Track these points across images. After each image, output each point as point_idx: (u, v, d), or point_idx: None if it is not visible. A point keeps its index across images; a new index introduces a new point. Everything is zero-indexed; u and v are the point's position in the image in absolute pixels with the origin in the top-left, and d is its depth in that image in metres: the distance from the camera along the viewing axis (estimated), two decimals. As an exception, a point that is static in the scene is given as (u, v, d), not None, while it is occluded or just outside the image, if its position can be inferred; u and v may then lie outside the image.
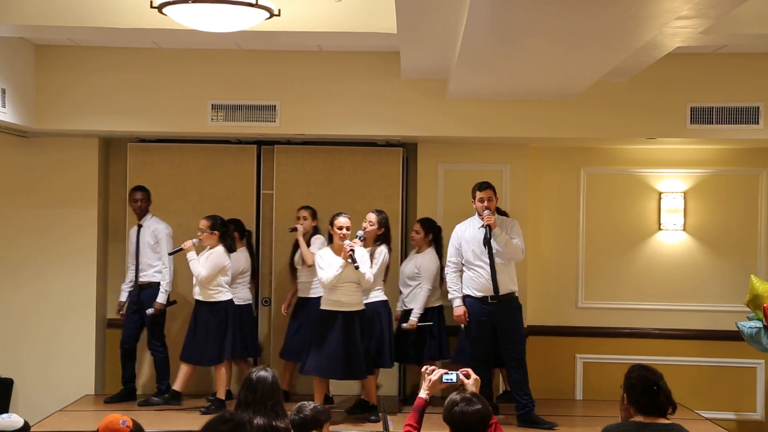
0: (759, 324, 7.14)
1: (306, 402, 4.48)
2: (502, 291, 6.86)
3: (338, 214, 6.95)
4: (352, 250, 6.75)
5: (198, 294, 7.30)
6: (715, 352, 8.11)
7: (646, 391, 3.90)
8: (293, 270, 7.72)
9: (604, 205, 8.31)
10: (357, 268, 6.73)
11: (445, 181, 8.18)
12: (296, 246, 7.65)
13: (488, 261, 6.84)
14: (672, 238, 8.25)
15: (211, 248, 7.30)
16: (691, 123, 7.47)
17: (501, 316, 6.88)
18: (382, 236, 7.23)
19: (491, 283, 6.84)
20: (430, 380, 4.31)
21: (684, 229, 8.22)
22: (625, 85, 7.46)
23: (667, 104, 7.47)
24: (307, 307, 7.52)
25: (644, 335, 8.20)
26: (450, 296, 7.13)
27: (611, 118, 7.55)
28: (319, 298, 7.18)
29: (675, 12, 4.68)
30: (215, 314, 7.28)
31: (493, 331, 6.93)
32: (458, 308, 7.03)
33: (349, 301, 6.88)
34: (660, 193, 8.25)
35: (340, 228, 6.83)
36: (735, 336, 7.79)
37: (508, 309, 6.90)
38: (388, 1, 5.64)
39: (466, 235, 7.00)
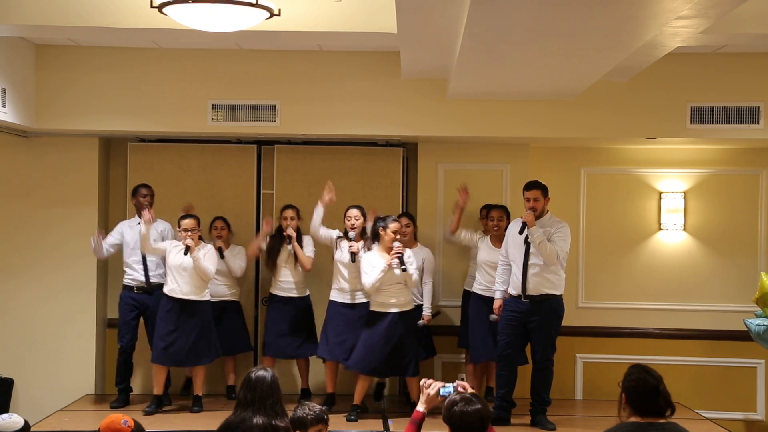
0: (767, 322, 7.13)
1: (308, 402, 4.58)
2: (533, 292, 6.80)
3: (389, 218, 7.11)
4: (400, 254, 6.90)
5: (189, 294, 7.19)
6: (715, 352, 8.11)
7: (646, 394, 3.86)
8: (273, 266, 7.61)
9: (605, 205, 8.31)
10: (404, 270, 6.93)
11: (445, 181, 8.17)
12: (277, 240, 7.58)
13: (522, 259, 6.84)
14: (672, 237, 8.25)
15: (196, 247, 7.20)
16: (691, 123, 7.47)
17: (533, 316, 6.84)
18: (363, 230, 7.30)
19: (521, 281, 6.84)
20: (428, 394, 4.30)
21: (684, 229, 8.22)
22: (625, 85, 7.46)
23: (667, 104, 7.48)
24: (290, 305, 7.58)
25: (644, 335, 8.20)
26: (494, 288, 7.14)
27: (611, 118, 7.55)
28: (305, 297, 7.62)
29: (675, 12, 4.69)
30: (205, 312, 7.31)
31: (524, 330, 6.91)
32: (496, 301, 7.08)
33: (397, 301, 7.06)
34: (660, 193, 8.25)
35: (395, 232, 6.96)
36: (735, 336, 7.81)
37: (541, 310, 6.82)
38: (388, 1, 5.64)
39: (513, 231, 6.99)
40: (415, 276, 7.09)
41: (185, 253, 7.11)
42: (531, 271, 6.80)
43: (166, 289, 7.25)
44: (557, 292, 6.89)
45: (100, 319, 8.21)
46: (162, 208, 7.87)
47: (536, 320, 6.84)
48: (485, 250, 7.46)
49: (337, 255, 7.33)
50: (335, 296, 7.39)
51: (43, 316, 8.08)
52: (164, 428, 6.79)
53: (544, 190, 6.91)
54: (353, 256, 7.15)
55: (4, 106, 6.90)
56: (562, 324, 8.12)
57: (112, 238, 7.63)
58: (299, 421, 4.41)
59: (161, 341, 7.22)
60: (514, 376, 7.02)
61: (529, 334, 6.93)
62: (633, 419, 3.89)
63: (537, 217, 6.82)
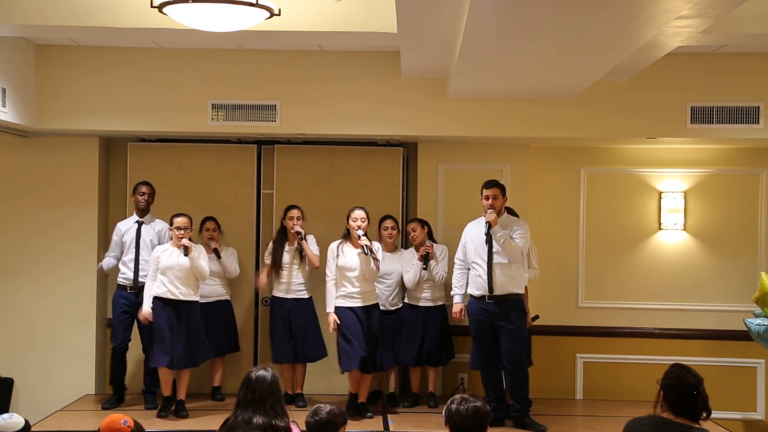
0: (767, 321, 7.13)
1: (323, 404, 4.52)
2: (500, 291, 6.80)
3: (411, 220, 7.76)
4: (427, 252, 7.41)
5: (188, 295, 7.09)
6: (715, 352, 8.10)
7: (684, 394, 3.85)
8: (278, 268, 7.54)
9: (605, 205, 8.31)
10: (425, 269, 7.42)
11: (445, 181, 8.18)
12: (279, 243, 7.55)
13: (486, 259, 6.84)
14: (672, 237, 8.25)
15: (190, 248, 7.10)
16: (691, 123, 7.47)
17: (499, 316, 6.82)
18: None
19: (486, 281, 6.84)
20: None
21: (684, 229, 8.22)
22: (625, 85, 7.46)
23: (667, 104, 7.47)
24: (298, 306, 7.54)
25: (644, 335, 8.20)
26: (452, 292, 7.16)
27: (611, 118, 7.55)
28: (310, 298, 7.61)
29: (675, 12, 4.69)
30: (198, 313, 7.23)
31: (494, 331, 6.89)
32: (456, 305, 7.10)
33: (425, 296, 7.56)
34: (660, 193, 8.25)
35: (414, 230, 7.61)
36: (735, 335, 7.80)
37: (506, 310, 6.81)
38: (388, 1, 5.64)
39: (471, 232, 7.00)
40: (441, 274, 7.49)
41: (185, 254, 7.02)
42: (497, 270, 6.81)
43: (159, 292, 7.06)
44: (521, 291, 6.92)
45: (100, 319, 8.20)
46: (162, 208, 7.86)
47: (504, 321, 6.81)
48: None
49: (341, 261, 7.11)
50: (343, 303, 7.12)
51: (43, 316, 8.07)
52: (164, 428, 6.80)
53: (502, 189, 6.93)
54: (366, 248, 6.94)
55: (4, 105, 6.89)
56: (563, 324, 8.16)
57: (114, 250, 7.63)
58: (330, 423, 4.38)
59: (164, 344, 7.05)
60: (501, 376, 7.02)
61: (500, 335, 6.85)
62: (666, 415, 3.88)
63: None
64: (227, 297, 7.87)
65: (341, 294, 7.11)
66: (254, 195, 8.23)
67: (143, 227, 7.56)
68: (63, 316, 8.06)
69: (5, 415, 4.09)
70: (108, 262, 7.71)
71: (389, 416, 7.23)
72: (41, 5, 5.95)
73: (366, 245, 6.96)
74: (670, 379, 3.92)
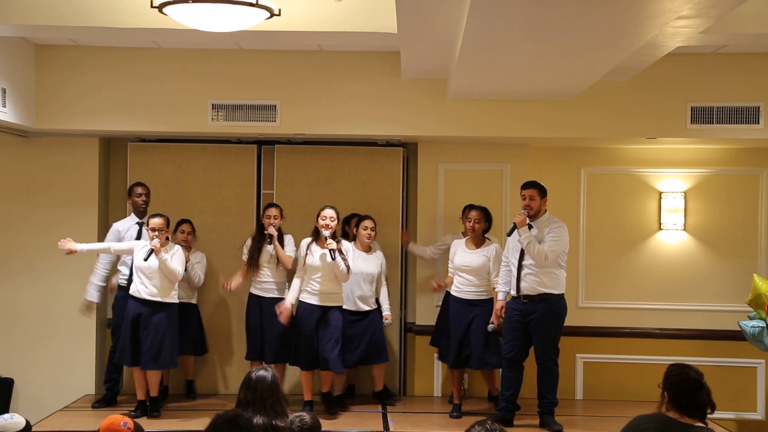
0: (761, 323, 7.15)
1: (296, 415, 4.47)
2: (529, 291, 6.78)
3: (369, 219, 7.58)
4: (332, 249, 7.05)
5: (155, 295, 7.00)
6: (715, 352, 8.10)
7: (689, 390, 3.86)
8: (253, 265, 7.49)
9: (605, 205, 8.31)
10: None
11: (445, 181, 8.18)
12: (258, 240, 7.52)
13: (518, 259, 6.82)
14: (672, 237, 8.25)
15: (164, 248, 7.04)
16: (691, 123, 7.48)
17: (532, 316, 6.82)
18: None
19: (516, 281, 6.84)
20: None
21: (684, 229, 8.22)
22: (625, 85, 7.47)
23: (667, 104, 7.48)
24: (271, 306, 7.44)
25: (644, 335, 8.20)
26: (496, 288, 7.11)
27: (611, 118, 7.55)
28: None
29: (675, 12, 4.69)
30: (172, 315, 7.14)
31: (525, 331, 6.88)
32: (497, 302, 7.07)
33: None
34: (660, 193, 8.25)
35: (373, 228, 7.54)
36: (735, 336, 7.79)
37: (539, 310, 6.79)
38: (388, 1, 5.65)
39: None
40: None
41: (147, 256, 6.94)
42: (524, 271, 6.80)
43: (131, 290, 7.04)
44: (556, 292, 6.85)
45: (100, 319, 8.20)
46: (162, 208, 7.84)
47: (535, 320, 6.82)
48: (460, 255, 7.32)
49: (309, 260, 7.07)
50: (305, 298, 7.15)
51: (44, 316, 8.08)
52: (163, 428, 6.80)
53: (541, 190, 6.88)
54: (333, 253, 6.92)
55: (4, 106, 6.90)
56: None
57: (107, 258, 7.52)
58: (312, 429, 4.39)
59: (129, 343, 6.99)
60: (520, 378, 7.00)
61: (532, 335, 6.90)
62: (672, 414, 3.88)
63: (534, 217, 6.81)
64: (192, 301, 7.77)
65: (306, 289, 7.13)
66: (254, 195, 8.23)
67: (144, 228, 7.51)
68: (63, 316, 8.05)
69: (6, 416, 4.09)
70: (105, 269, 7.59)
71: (389, 416, 7.23)
72: (41, 5, 5.95)
73: (332, 249, 6.91)
74: (672, 378, 3.92)
